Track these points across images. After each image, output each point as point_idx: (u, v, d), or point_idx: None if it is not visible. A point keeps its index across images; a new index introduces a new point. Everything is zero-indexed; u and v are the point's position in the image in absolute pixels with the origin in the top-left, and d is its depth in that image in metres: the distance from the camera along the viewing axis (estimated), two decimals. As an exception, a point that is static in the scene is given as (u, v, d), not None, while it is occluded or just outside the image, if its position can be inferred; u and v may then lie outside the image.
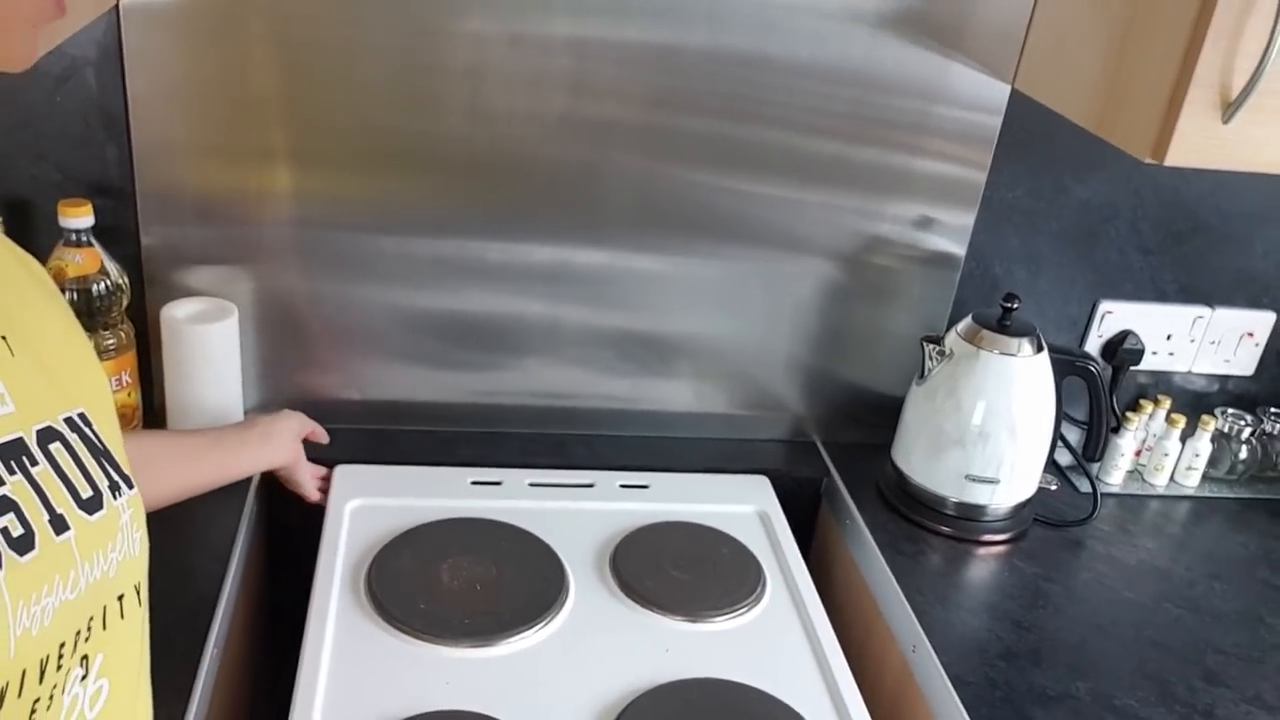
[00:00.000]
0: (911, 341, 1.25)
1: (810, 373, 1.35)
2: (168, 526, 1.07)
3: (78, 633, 0.52)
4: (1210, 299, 1.36)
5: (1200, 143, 0.93)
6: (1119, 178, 1.28)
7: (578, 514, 1.20)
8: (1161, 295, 1.35)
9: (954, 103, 1.21)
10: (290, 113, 1.13)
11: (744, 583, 1.12)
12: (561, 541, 1.14)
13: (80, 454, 0.56)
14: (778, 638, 1.07)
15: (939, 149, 1.23)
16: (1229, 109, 0.91)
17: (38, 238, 1.10)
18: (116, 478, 0.58)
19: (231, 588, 1.02)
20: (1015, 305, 1.18)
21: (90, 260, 1.08)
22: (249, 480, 1.16)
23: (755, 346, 1.33)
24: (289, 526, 1.22)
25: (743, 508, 1.25)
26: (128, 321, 1.14)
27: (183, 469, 1.07)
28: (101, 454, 0.57)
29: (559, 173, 1.20)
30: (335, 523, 1.14)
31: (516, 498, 1.21)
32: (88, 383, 0.61)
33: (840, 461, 1.34)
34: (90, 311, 1.09)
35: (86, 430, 0.57)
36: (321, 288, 1.22)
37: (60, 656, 0.51)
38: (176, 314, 1.14)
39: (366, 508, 1.17)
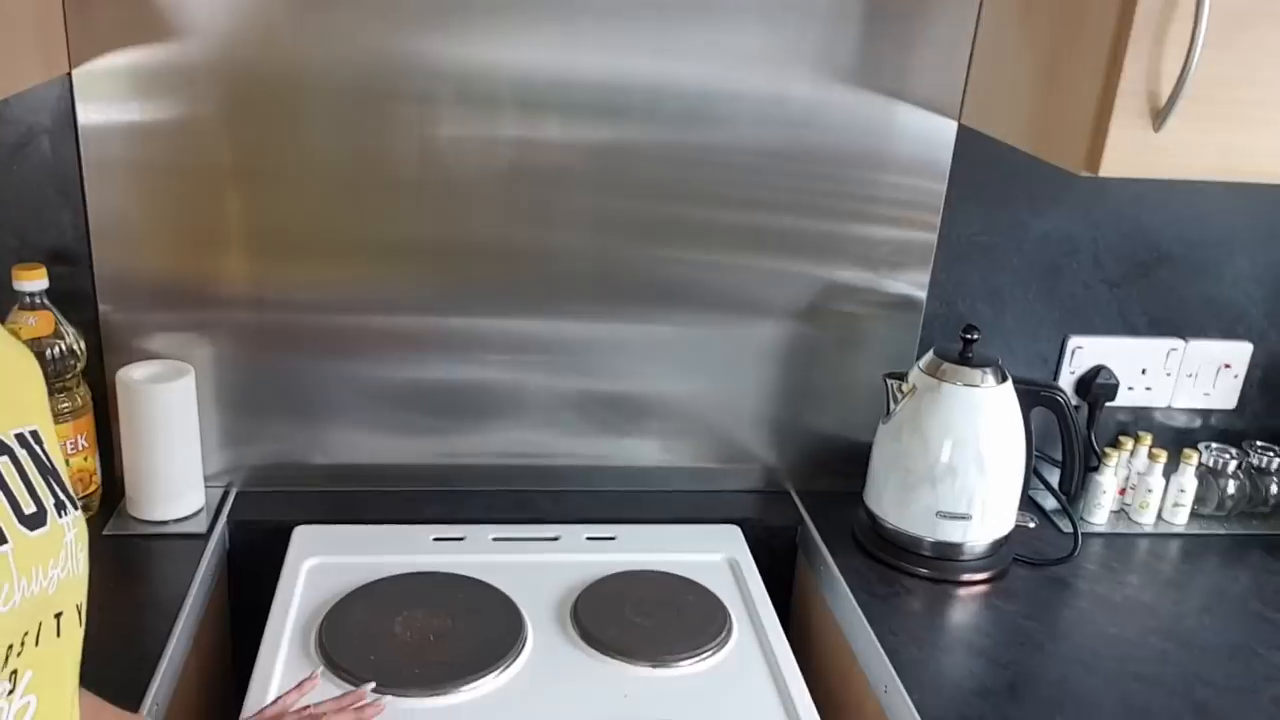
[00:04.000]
0: (880, 386, 1.23)
1: (780, 424, 1.34)
2: (116, 582, 1.07)
3: (9, 647, 0.51)
4: (1182, 331, 1.34)
5: (1133, 152, 0.93)
6: (1076, 209, 1.27)
7: (541, 566, 1.17)
8: (1132, 329, 1.34)
9: (903, 144, 1.22)
10: (244, 191, 1.15)
11: (708, 628, 1.08)
12: (522, 593, 1.12)
13: (28, 470, 0.55)
14: (743, 682, 1.03)
15: (892, 193, 1.24)
16: (1159, 116, 0.91)
17: (-6, 303, 1.12)
18: (63, 496, 0.57)
19: (176, 648, 1.00)
20: (975, 336, 1.17)
21: (44, 323, 1.09)
22: (206, 537, 1.15)
23: (722, 402, 1.32)
24: (252, 588, 1.20)
25: (711, 556, 1.22)
26: (84, 385, 1.15)
27: None
28: (49, 472, 0.57)
29: (511, 253, 1.22)
30: (290, 580, 1.12)
31: (479, 552, 1.19)
32: (37, 402, 0.61)
33: (814, 509, 1.31)
34: (45, 374, 1.09)
35: (36, 448, 0.57)
36: (280, 360, 1.23)
37: None
38: (133, 375, 1.14)
39: (324, 565, 1.15)
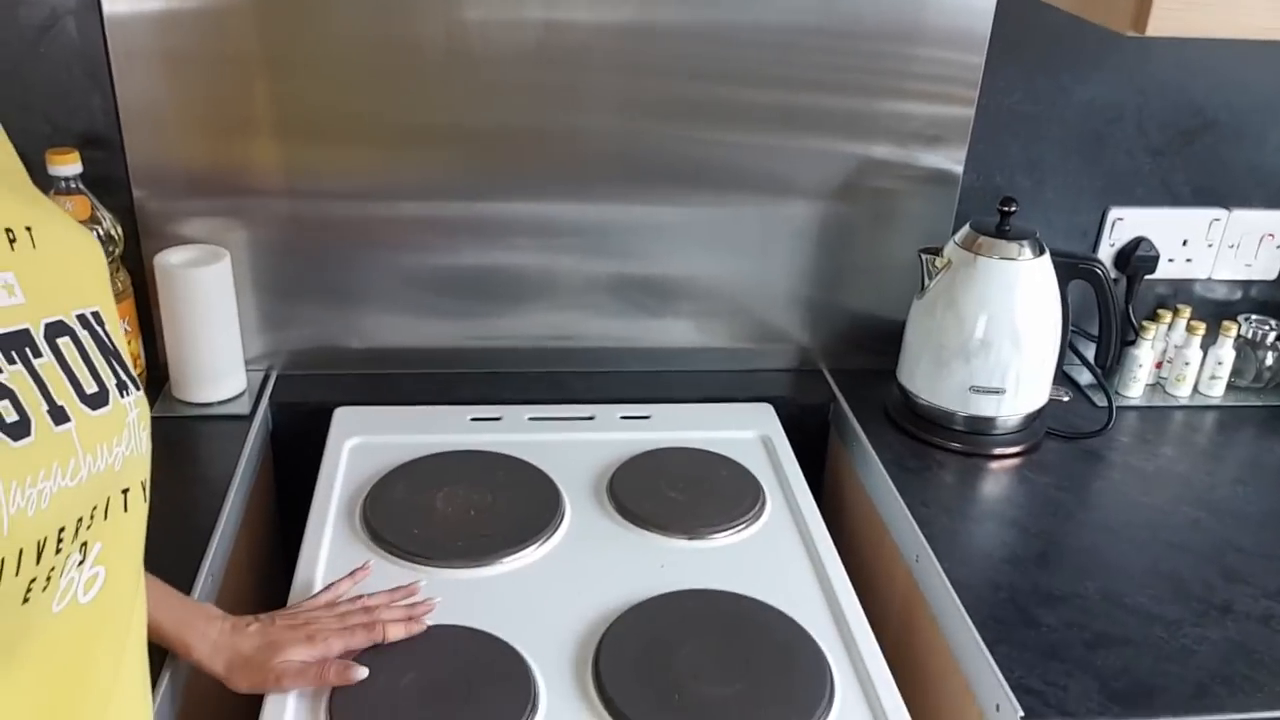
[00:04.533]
0: (914, 263, 1.22)
1: (813, 303, 1.33)
2: (165, 463, 1.10)
3: (79, 520, 0.52)
4: (1226, 200, 1.31)
5: (1182, 9, 0.89)
6: (1121, 75, 1.23)
7: (577, 445, 1.19)
8: (1175, 199, 1.31)
9: (939, 15, 1.18)
10: (273, 77, 1.14)
11: (742, 501, 1.10)
12: (559, 470, 1.14)
13: (89, 351, 0.56)
14: (776, 552, 1.05)
15: (927, 68, 1.21)
16: (1211, -30, 0.87)
17: (31, 191, 1.12)
18: (125, 377, 0.58)
19: (228, 522, 1.03)
20: (1013, 209, 1.15)
21: (81, 207, 1.10)
22: (250, 418, 1.18)
23: (755, 282, 1.31)
24: (296, 467, 1.23)
25: (745, 433, 1.24)
26: (124, 270, 1.16)
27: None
28: (110, 353, 0.58)
29: (540, 136, 1.20)
30: (333, 459, 1.15)
31: (515, 432, 1.21)
32: (100, 284, 0.62)
33: (847, 387, 1.32)
34: (84, 259, 1.10)
35: (98, 329, 0.58)
36: (314, 245, 1.23)
37: (59, 541, 0.51)
38: (170, 260, 1.15)
39: (365, 444, 1.18)
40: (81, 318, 0.57)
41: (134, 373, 0.60)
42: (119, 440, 0.56)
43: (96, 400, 0.55)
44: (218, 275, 1.16)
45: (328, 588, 0.95)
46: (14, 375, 0.51)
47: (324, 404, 1.23)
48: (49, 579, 0.51)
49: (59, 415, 0.52)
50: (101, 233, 1.12)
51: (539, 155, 1.21)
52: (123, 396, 0.57)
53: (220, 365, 1.20)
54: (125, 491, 0.57)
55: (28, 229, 0.54)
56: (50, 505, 0.50)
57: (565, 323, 1.31)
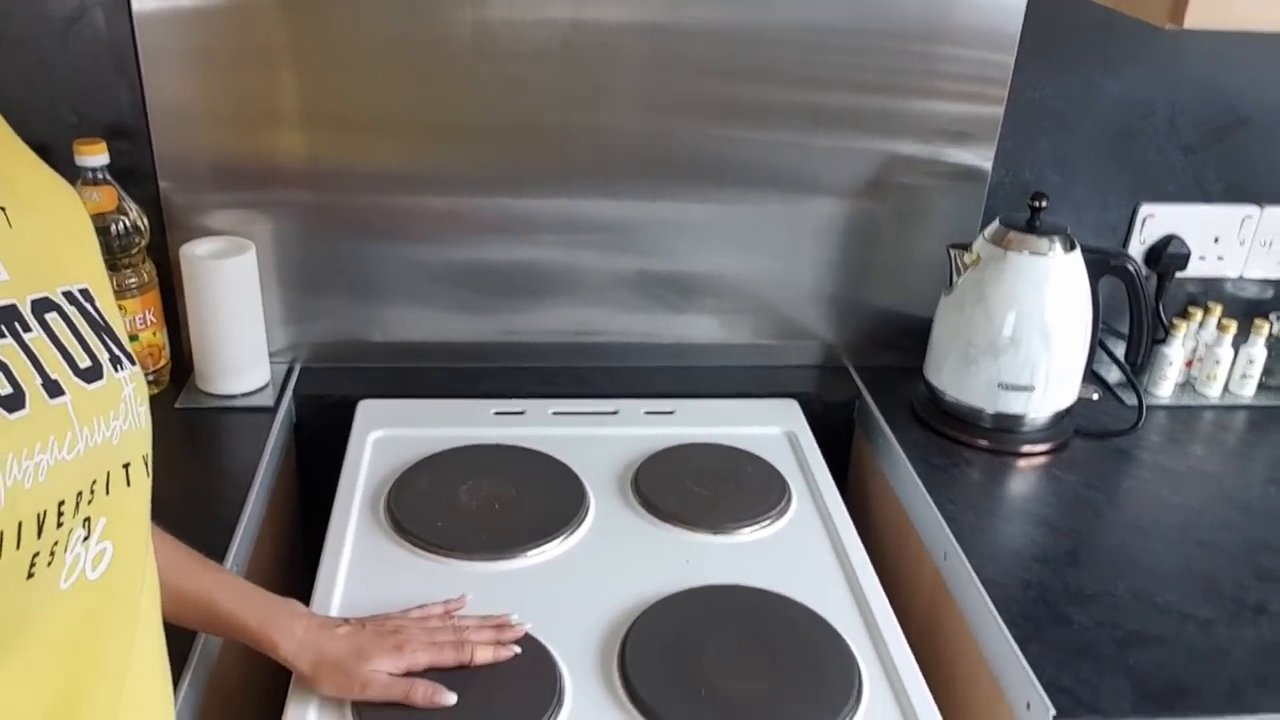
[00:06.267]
0: (943, 261, 1.21)
1: (839, 299, 1.32)
2: (189, 455, 1.10)
3: (78, 494, 0.52)
4: (1259, 197, 1.30)
5: (1220, 1, 0.88)
6: (1152, 70, 1.22)
7: (601, 439, 1.19)
8: (1206, 195, 1.29)
9: (968, 14, 1.17)
10: (299, 72, 1.14)
11: (768, 497, 1.09)
12: (583, 464, 1.13)
13: (80, 327, 0.56)
14: (802, 548, 1.04)
15: (956, 67, 1.20)
16: (1250, -39, 0.86)
17: (58, 182, 1.13)
18: (118, 352, 0.58)
19: (252, 514, 1.03)
20: (1043, 204, 1.14)
21: (108, 198, 1.10)
22: (273, 411, 1.18)
23: (779, 279, 1.30)
24: (319, 460, 1.23)
25: (770, 429, 1.23)
26: (149, 261, 1.16)
27: (203, 623, 0.85)
28: (103, 329, 0.57)
29: (566, 132, 1.20)
30: (357, 452, 1.15)
31: (539, 425, 1.20)
32: (90, 262, 0.61)
33: (873, 384, 1.31)
34: (110, 250, 1.11)
35: (87, 305, 0.57)
36: (338, 238, 1.23)
37: (60, 515, 0.51)
38: (196, 251, 1.15)
39: (388, 438, 1.17)
40: (69, 295, 0.56)
41: (128, 348, 0.59)
42: (115, 414, 0.55)
43: (90, 375, 0.55)
44: (243, 267, 1.16)
45: (421, 606, 0.91)
46: (4, 348, 0.51)
47: (348, 397, 1.23)
48: (53, 554, 0.51)
49: (53, 389, 0.52)
50: (128, 224, 1.12)
51: (564, 152, 1.21)
52: (117, 371, 0.57)
53: (245, 357, 1.20)
54: (126, 466, 0.56)
55: (2, 209, 0.54)
56: (48, 478, 0.50)
57: (589, 318, 1.30)
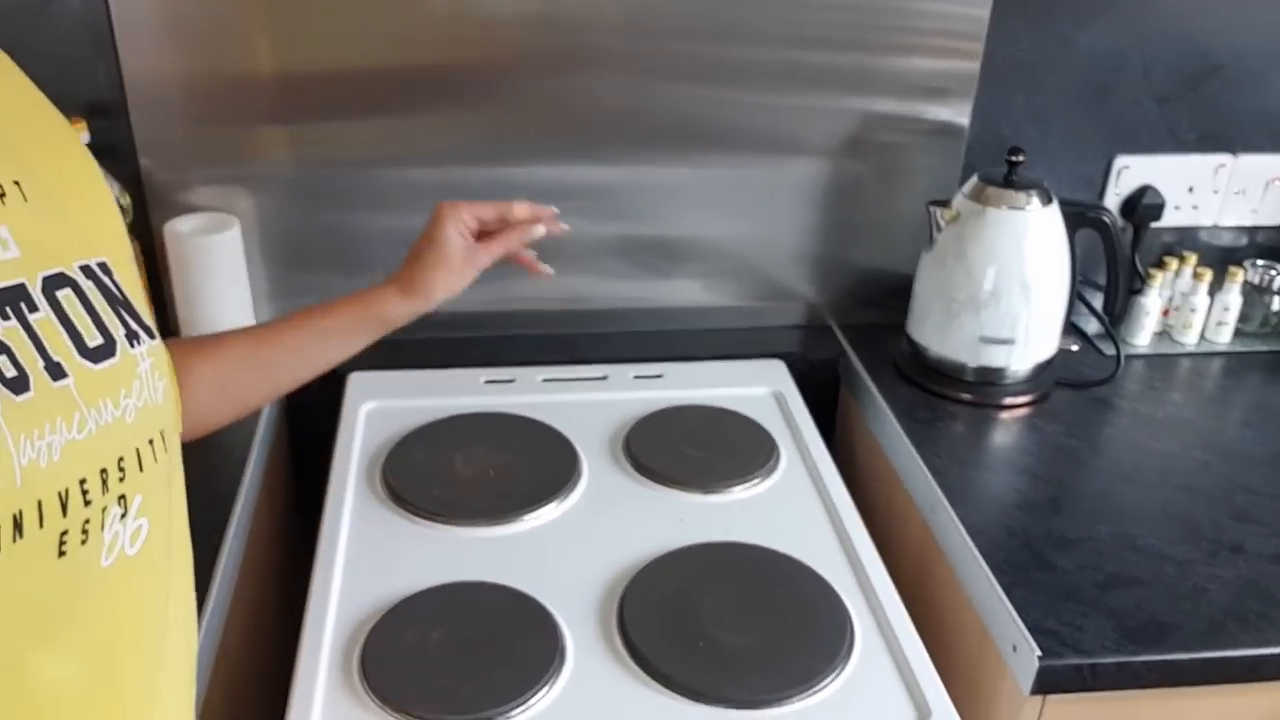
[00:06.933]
0: (923, 218, 1.22)
1: (821, 259, 1.34)
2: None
3: (103, 471, 0.53)
4: (1232, 145, 1.31)
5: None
6: (1124, 22, 1.23)
7: (591, 404, 1.20)
8: (1180, 145, 1.31)
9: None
10: (276, 45, 1.13)
11: (757, 456, 1.11)
12: (575, 429, 1.15)
13: (94, 302, 0.55)
14: (792, 505, 1.06)
15: (931, 23, 1.21)
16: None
17: (39, 163, 1.12)
18: (136, 327, 0.57)
19: (248, 492, 1.04)
20: (1020, 159, 1.15)
21: (90, 178, 1.09)
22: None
23: (762, 240, 1.32)
24: (311, 434, 1.24)
25: (757, 390, 1.25)
26: (133, 239, 1.16)
27: (336, 347, 0.96)
28: (120, 303, 0.57)
29: (545, 98, 1.20)
30: (349, 424, 1.16)
31: (530, 393, 1.22)
32: (110, 233, 0.61)
33: (857, 342, 1.33)
34: (95, 230, 1.10)
35: (105, 279, 0.57)
36: (322, 213, 1.23)
37: (85, 493, 0.51)
38: (180, 228, 1.15)
39: (381, 409, 1.19)
40: (86, 268, 0.56)
41: (148, 322, 0.59)
42: (127, 393, 0.55)
43: (100, 353, 0.55)
44: (228, 242, 1.16)
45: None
46: (9, 331, 0.51)
47: (337, 370, 1.23)
48: (85, 532, 0.51)
49: (56, 371, 0.52)
50: (111, 203, 1.11)
51: (545, 118, 1.21)
52: (133, 346, 0.56)
53: (233, 333, 1.20)
54: (151, 441, 0.57)
55: (16, 183, 0.54)
56: (62, 457, 0.50)
57: (576, 285, 1.31)
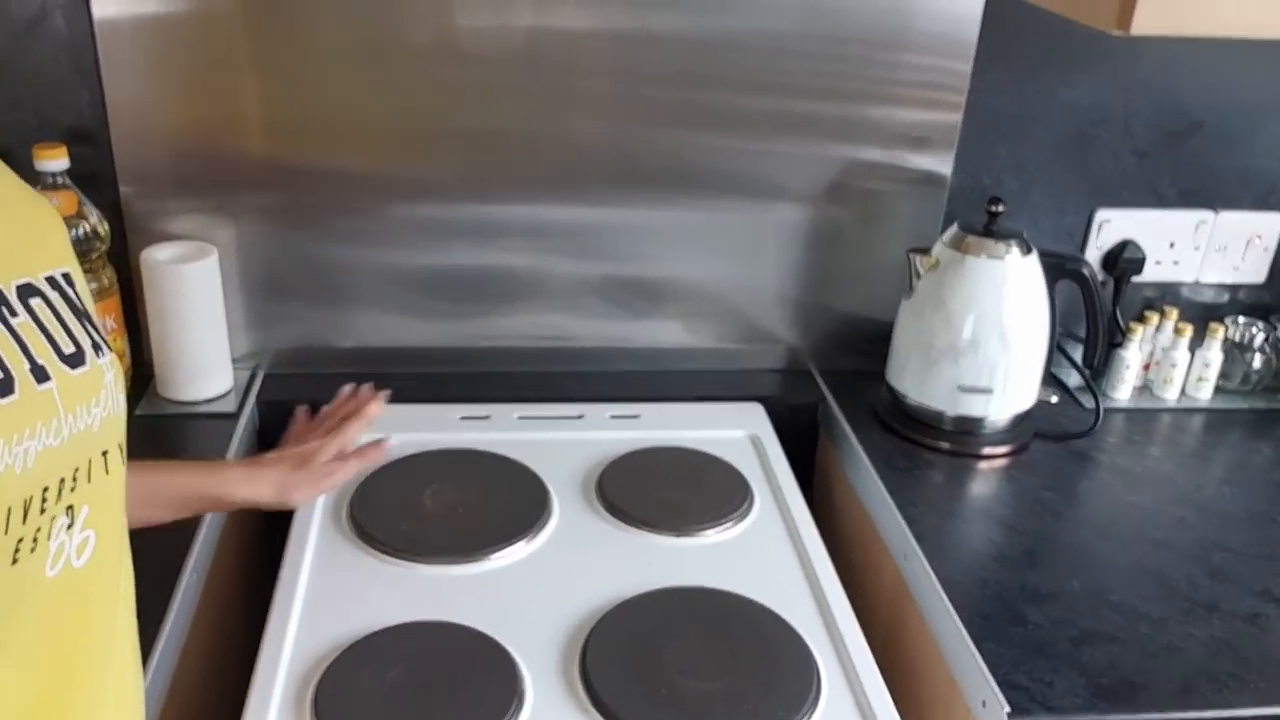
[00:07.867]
0: (903, 265, 1.22)
1: (802, 304, 1.33)
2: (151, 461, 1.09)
3: (61, 480, 0.52)
4: (1213, 202, 1.32)
5: (1167, 7, 0.89)
6: (1107, 78, 1.24)
7: (566, 443, 1.19)
8: (1161, 200, 1.31)
9: (927, 22, 1.19)
10: (261, 77, 1.14)
11: (731, 499, 1.10)
12: (548, 468, 1.14)
13: (62, 312, 0.56)
14: (764, 550, 1.05)
15: (915, 75, 1.22)
16: (1196, -31, 0.88)
17: (18, 186, 1.12)
18: (97, 338, 0.58)
19: (212, 521, 1.02)
20: (1001, 208, 1.15)
21: (68, 203, 1.09)
22: (236, 417, 1.17)
23: (743, 284, 1.32)
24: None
25: (734, 432, 1.24)
26: (110, 267, 1.16)
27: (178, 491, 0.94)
28: (82, 314, 0.58)
29: (530, 138, 1.20)
30: (320, 457, 1.14)
31: (505, 430, 1.21)
32: (65, 246, 0.62)
33: (836, 387, 1.32)
34: (71, 255, 1.10)
35: (68, 290, 0.58)
36: (302, 244, 1.23)
37: (44, 501, 0.51)
38: (157, 256, 1.15)
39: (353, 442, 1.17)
40: (51, 280, 0.57)
41: (104, 335, 0.60)
42: (97, 401, 0.56)
43: (74, 360, 0.55)
44: (205, 271, 1.16)
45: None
46: None
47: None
48: (35, 540, 0.51)
49: (40, 374, 0.52)
50: (89, 229, 1.11)
51: (530, 158, 1.21)
52: (99, 356, 0.57)
53: (207, 363, 1.19)
54: (105, 454, 0.57)
55: None
56: (36, 464, 0.50)
57: (555, 323, 1.31)
